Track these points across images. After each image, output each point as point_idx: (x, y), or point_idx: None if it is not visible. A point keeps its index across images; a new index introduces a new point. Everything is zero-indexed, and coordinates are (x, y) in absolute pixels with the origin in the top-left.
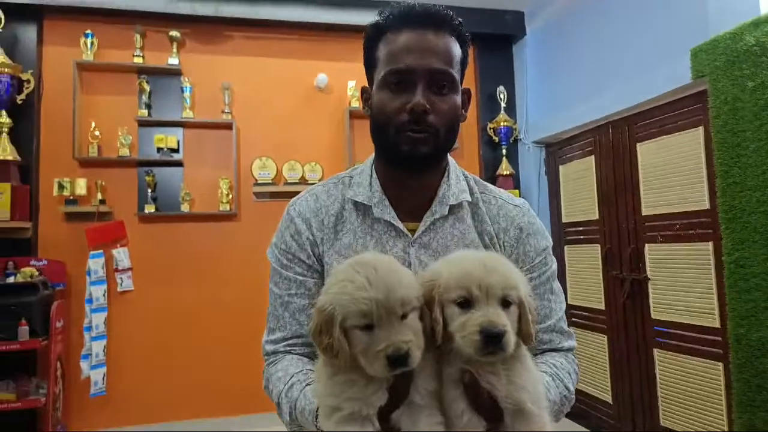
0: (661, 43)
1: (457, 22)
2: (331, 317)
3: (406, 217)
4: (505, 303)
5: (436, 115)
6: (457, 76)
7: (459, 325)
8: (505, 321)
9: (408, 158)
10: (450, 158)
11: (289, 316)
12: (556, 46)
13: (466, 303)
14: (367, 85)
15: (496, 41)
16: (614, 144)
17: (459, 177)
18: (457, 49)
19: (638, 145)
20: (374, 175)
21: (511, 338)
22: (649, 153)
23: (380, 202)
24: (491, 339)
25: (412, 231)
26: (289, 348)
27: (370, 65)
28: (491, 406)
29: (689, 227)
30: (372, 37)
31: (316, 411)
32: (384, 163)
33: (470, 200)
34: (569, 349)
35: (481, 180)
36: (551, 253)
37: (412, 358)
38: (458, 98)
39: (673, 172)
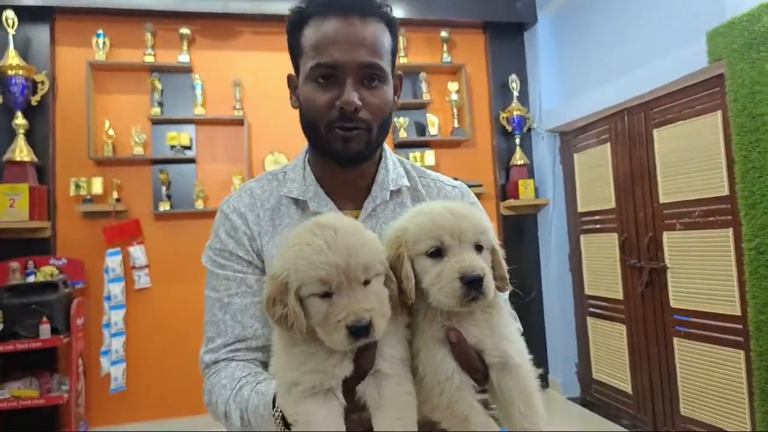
0: (677, 26)
1: (384, 7)
2: (286, 285)
3: (344, 205)
4: (478, 248)
5: (367, 110)
6: (388, 68)
7: (434, 276)
8: (483, 264)
9: (340, 155)
10: (385, 146)
11: (230, 319)
12: (568, 33)
13: (437, 253)
14: (293, 73)
15: (508, 29)
16: (630, 131)
17: (395, 163)
18: (386, 37)
19: (655, 131)
20: (307, 168)
21: (491, 281)
22: (666, 139)
23: (316, 195)
24: (472, 284)
25: (356, 218)
26: (231, 354)
27: (295, 53)
28: (479, 364)
29: (708, 214)
30: (295, 22)
31: (273, 400)
32: (317, 157)
33: (408, 185)
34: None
35: (417, 165)
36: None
37: (376, 328)
38: (390, 89)
39: (691, 158)
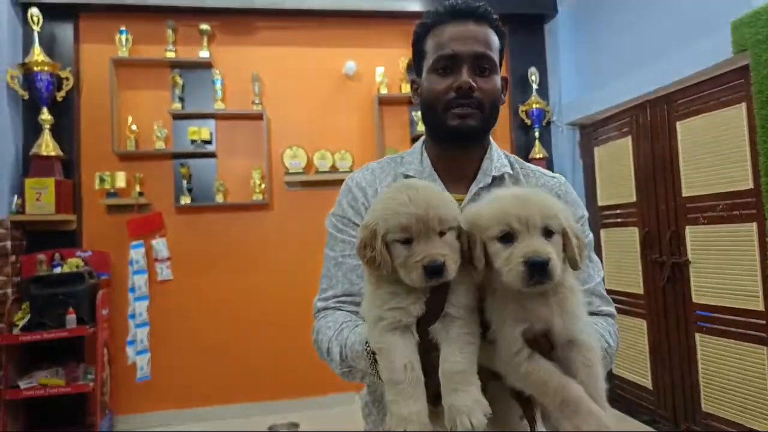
0: (700, 16)
1: (495, 17)
2: (375, 231)
3: (452, 189)
4: (548, 233)
5: (480, 93)
6: (497, 60)
7: (503, 259)
8: (549, 249)
9: (457, 131)
10: (491, 139)
11: (342, 275)
12: (588, 25)
13: (508, 237)
14: (415, 77)
15: (527, 21)
16: (652, 123)
17: (500, 155)
18: (495, 39)
19: (678, 123)
20: (424, 153)
21: (557, 265)
22: (689, 131)
23: (430, 175)
24: (536, 268)
25: (459, 201)
26: (339, 304)
27: (419, 57)
28: (546, 344)
29: (732, 208)
30: (420, 33)
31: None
32: (434, 141)
33: (511, 172)
34: (609, 315)
35: (519, 159)
36: (587, 223)
37: (448, 270)
38: (498, 80)
39: (715, 151)
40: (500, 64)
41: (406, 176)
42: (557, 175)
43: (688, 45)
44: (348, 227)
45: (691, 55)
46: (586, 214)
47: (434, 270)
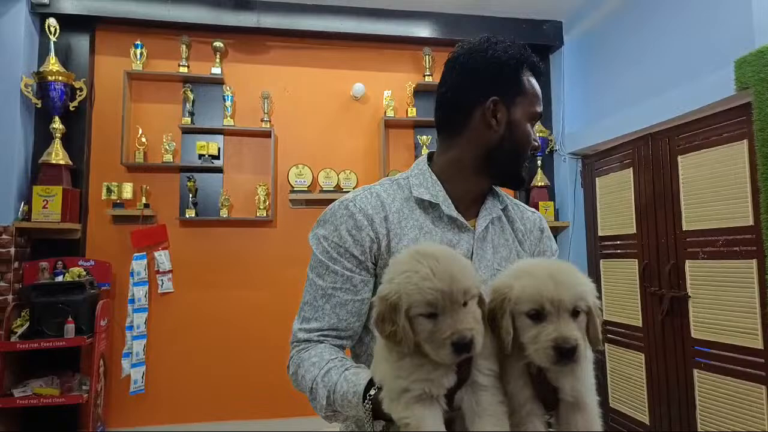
0: (705, 53)
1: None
2: (396, 306)
3: (464, 213)
4: (575, 313)
5: None
6: None
7: (531, 337)
8: (577, 334)
9: (523, 182)
10: None
11: (330, 309)
12: (594, 57)
13: (537, 315)
14: (499, 101)
15: (534, 51)
16: (654, 156)
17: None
18: None
19: (679, 157)
20: (434, 177)
21: (582, 349)
22: (690, 166)
23: (445, 200)
24: (564, 353)
25: (472, 226)
26: (322, 338)
27: (513, 86)
28: (552, 398)
29: (732, 244)
30: (516, 65)
31: (364, 392)
32: (470, 171)
33: (508, 204)
34: None
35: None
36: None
37: (476, 344)
38: None
39: (716, 187)
40: None
41: (418, 200)
42: (535, 210)
43: (691, 81)
44: (344, 258)
45: (694, 91)
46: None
47: (463, 346)
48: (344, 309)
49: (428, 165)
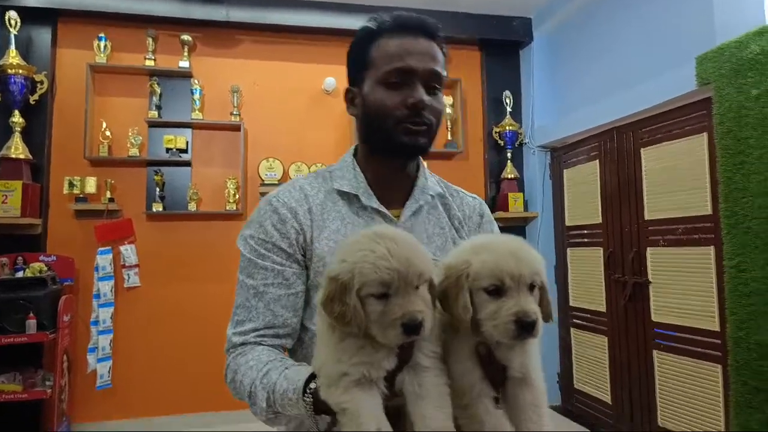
0: (668, 50)
1: (441, 33)
2: (347, 285)
3: (386, 204)
4: (531, 287)
5: (430, 112)
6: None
7: (490, 312)
8: (536, 308)
9: (407, 148)
10: (420, 158)
11: (263, 307)
12: (562, 52)
13: (496, 291)
14: (350, 87)
15: (504, 47)
16: (619, 149)
17: (429, 173)
18: (442, 57)
19: (642, 150)
20: (357, 168)
21: (541, 323)
22: (653, 158)
23: (365, 191)
24: (525, 327)
25: (396, 217)
26: (259, 339)
27: (360, 65)
28: (501, 376)
29: (692, 232)
30: (363, 39)
31: (304, 387)
32: (376, 155)
33: (441, 192)
34: None
35: (443, 179)
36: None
37: (425, 327)
38: (444, 99)
39: (677, 178)
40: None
41: (340, 192)
42: (476, 196)
43: (654, 76)
44: (272, 253)
45: (657, 86)
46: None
47: (413, 328)
48: (278, 304)
49: (354, 157)
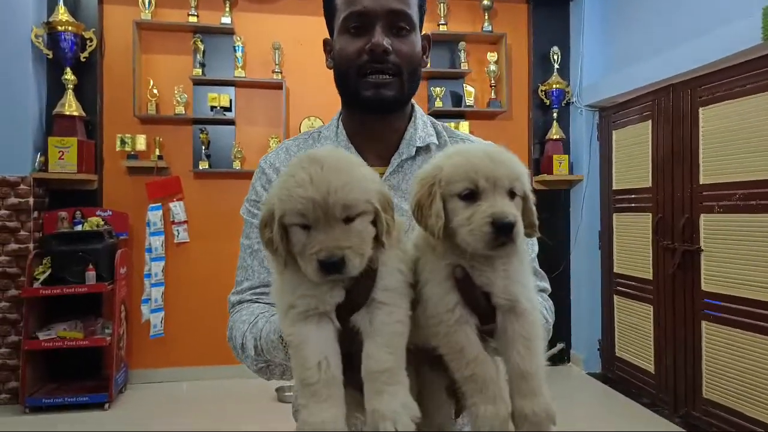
0: (731, 0)
1: None
2: (272, 212)
3: (375, 162)
4: (511, 194)
5: (397, 56)
6: (416, 19)
7: (465, 218)
8: (515, 211)
9: (372, 102)
10: (416, 104)
11: (258, 264)
12: (615, 3)
13: (471, 195)
14: (328, 37)
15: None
16: (675, 108)
17: (426, 123)
18: None
19: (701, 109)
20: (341, 126)
21: (521, 229)
22: (712, 118)
23: (346, 149)
24: (502, 230)
25: (380, 174)
26: (255, 297)
27: (330, 15)
28: (484, 304)
29: (750, 198)
30: None
31: None
32: (349, 111)
33: (437, 143)
34: (543, 290)
35: (449, 127)
36: (527, 181)
37: (349, 266)
38: (418, 40)
39: (738, 139)
40: (421, 21)
41: None
42: (490, 143)
43: (716, 29)
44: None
45: (718, 39)
46: (527, 171)
47: (330, 266)
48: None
49: (340, 115)
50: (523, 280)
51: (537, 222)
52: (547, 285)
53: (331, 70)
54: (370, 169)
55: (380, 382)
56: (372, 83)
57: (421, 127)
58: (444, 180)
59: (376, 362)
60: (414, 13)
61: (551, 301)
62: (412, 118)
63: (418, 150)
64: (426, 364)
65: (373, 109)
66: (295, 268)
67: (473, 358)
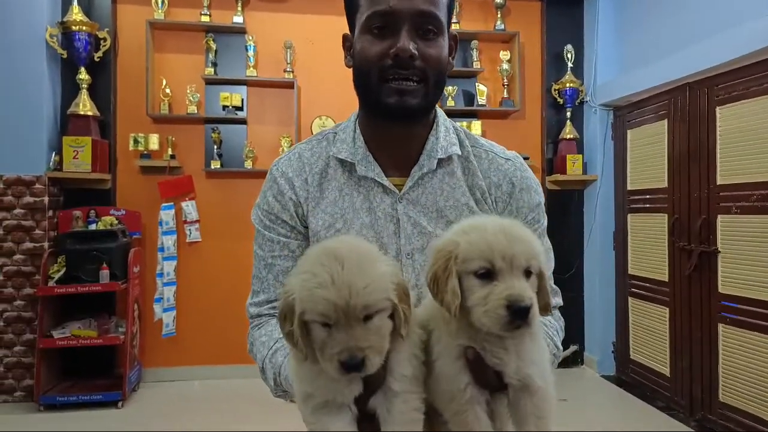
0: None
1: None
2: (293, 307)
3: (393, 172)
4: (527, 273)
5: (423, 61)
6: (444, 21)
7: (480, 297)
8: (531, 293)
9: (394, 111)
10: (438, 109)
11: (273, 279)
12: (631, 2)
13: (487, 274)
14: (348, 33)
15: None
16: (691, 108)
17: (448, 129)
18: None
19: (718, 109)
20: (357, 130)
21: (537, 311)
22: (729, 118)
23: (364, 158)
24: (518, 314)
25: (400, 186)
26: (272, 311)
27: (351, 9)
28: (496, 383)
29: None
30: None
31: None
32: (368, 116)
33: (460, 153)
34: (555, 306)
35: (471, 133)
36: (543, 209)
37: (368, 365)
38: (446, 44)
39: (755, 139)
40: (449, 23)
41: (339, 160)
42: (512, 155)
43: (733, 27)
44: (276, 224)
45: (736, 37)
46: (543, 199)
47: (352, 367)
48: (287, 276)
49: (358, 117)
50: (536, 358)
51: (551, 302)
52: (560, 300)
53: (348, 69)
54: (388, 263)
55: None
56: (395, 89)
57: (443, 135)
58: (460, 257)
59: None
60: (443, 14)
61: (563, 320)
62: (435, 125)
63: (440, 162)
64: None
65: (396, 116)
66: (313, 358)
67: None
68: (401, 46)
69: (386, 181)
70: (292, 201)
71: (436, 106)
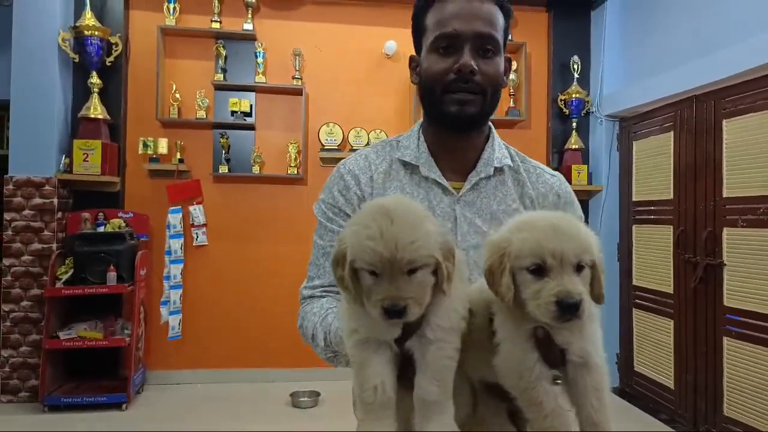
0: (756, 10)
1: None
2: (344, 254)
3: (451, 176)
4: (579, 267)
5: (482, 77)
6: (501, 41)
7: (533, 292)
8: (581, 288)
9: (455, 118)
10: (492, 126)
11: (330, 266)
12: (638, 13)
13: (538, 270)
14: (414, 55)
15: (574, 6)
16: (697, 120)
17: (501, 145)
18: (500, 17)
19: (725, 121)
20: (422, 138)
21: (587, 305)
22: (736, 131)
23: (427, 161)
24: (568, 309)
25: (457, 189)
26: (324, 293)
27: (418, 33)
28: (559, 358)
29: None
30: (421, 6)
31: None
32: (432, 126)
33: (511, 165)
34: None
35: (520, 153)
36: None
37: (409, 314)
38: (501, 62)
39: (762, 152)
40: (504, 45)
41: (403, 162)
42: (557, 173)
43: (740, 40)
44: (338, 216)
45: (743, 50)
46: (583, 216)
47: (393, 313)
48: None
49: (421, 127)
50: (594, 338)
51: (603, 292)
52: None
53: (354, 78)
54: (434, 222)
55: (428, 410)
56: (456, 99)
57: (498, 148)
58: (513, 254)
59: (426, 393)
60: (500, 36)
61: None
62: (490, 139)
63: (495, 170)
64: (484, 391)
65: (455, 124)
66: (360, 301)
67: (550, 411)
68: (464, 62)
69: (446, 183)
70: (356, 196)
71: (490, 124)
